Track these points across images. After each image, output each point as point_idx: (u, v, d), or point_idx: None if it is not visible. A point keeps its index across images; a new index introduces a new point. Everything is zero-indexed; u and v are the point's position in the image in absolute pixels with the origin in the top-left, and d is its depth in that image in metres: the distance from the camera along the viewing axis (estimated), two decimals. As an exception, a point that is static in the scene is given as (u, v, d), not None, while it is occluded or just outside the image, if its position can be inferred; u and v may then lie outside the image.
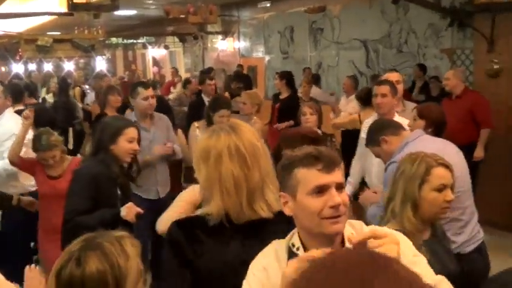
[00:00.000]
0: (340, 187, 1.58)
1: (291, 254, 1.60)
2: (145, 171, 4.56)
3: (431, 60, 9.56)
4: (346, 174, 4.36)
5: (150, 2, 12.56)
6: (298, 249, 1.60)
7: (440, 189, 2.22)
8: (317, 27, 12.05)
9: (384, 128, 3.24)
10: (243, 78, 11.11)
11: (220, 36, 15.30)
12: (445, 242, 2.40)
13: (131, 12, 14.68)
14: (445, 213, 2.28)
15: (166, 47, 18.39)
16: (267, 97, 11.24)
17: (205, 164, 1.86)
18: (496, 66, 6.10)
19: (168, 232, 1.92)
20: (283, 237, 1.70)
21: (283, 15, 12.78)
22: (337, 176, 1.58)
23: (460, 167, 3.07)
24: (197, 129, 4.83)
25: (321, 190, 1.54)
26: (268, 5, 12.63)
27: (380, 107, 4.17)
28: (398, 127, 3.25)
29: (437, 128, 3.63)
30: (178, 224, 1.92)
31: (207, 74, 9.84)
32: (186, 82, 10.78)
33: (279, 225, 1.76)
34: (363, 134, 3.82)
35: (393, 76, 4.94)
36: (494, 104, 6.02)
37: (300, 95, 7.88)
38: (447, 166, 2.28)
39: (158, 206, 4.54)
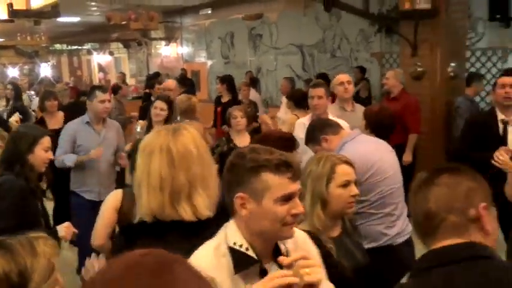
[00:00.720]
0: (298, 195, 1.61)
1: (237, 253, 1.55)
2: (89, 173, 4.52)
3: (363, 63, 9.79)
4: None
5: (94, 9, 12.31)
6: (247, 249, 1.56)
7: (345, 185, 2.23)
8: (256, 33, 12.13)
9: (324, 127, 3.25)
10: (186, 83, 11.04)
11: (163, 42, 15.16)
12: (355, 235, 2.40)
13: (75, 19, 14.34)
14: (352, 207, 2.28)
15: (111, 53, 18.07)
16: (211, 100, 11.22)
17: (140, 158, 1.88)
18: (419, 69, 6.26)
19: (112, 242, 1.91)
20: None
21: (223, 22, 12.79)
22: (299, 184, 1.60)
23: (392, 165, 3.17)
24: (139, 127, 4.76)
25: (287, 198, 1.53)
26: (209, 12, 12.59)
27: (316, 108, 4.22)
28: (337, 126, 3.28)
29: (374, 130, 3.66)
30: (121, 232, 1.93)
31: (155, 78, 9.75)
32: (117, 88, 10.49)
33: (211, 229, 1.73)
34: (301, 134, 3.82)
35: (344, 77, 4.99)
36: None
37: (240, 98, 7.91)
38: (350, 163, 2.30)
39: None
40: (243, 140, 4.58)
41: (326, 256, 1.90)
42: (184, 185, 1.80)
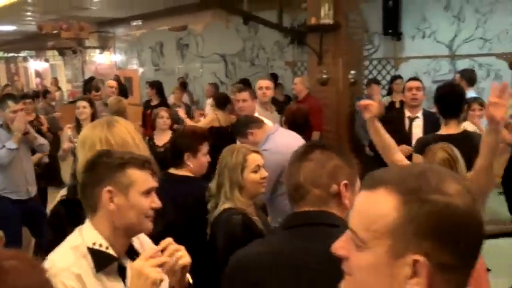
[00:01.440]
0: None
1: (97, 253, 1.50)
2: (15, 172, 4.29)
3: (278, 70, 10.02)
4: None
5: (29, 18, 11.81)
6: (107, 248, 1.51)
7: (256, 170, 2.37)
8: (183, 43, 12.10)
9: (249, 123, 3.38)
10: (120, 88, 10.81)
11: (97, 51, 14.79)
12: (262, 213, 2.58)
13: (10, 27, 13.70)
14: (264, 186, 2.42)
15: (46, 60, 17.39)
16: (142, 104, 11.08)
17: (82, 152, 1.86)
18: (324, 76, 6.41)
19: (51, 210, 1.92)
20: None
21: (153, 33, 12.66)
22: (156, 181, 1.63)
23: None
24: (69, 130, 4.65)
25: (149, 192, 1.55)
26: (140, 23, 12.42)
27: (242, 110, 4.24)
28: (260, 122, 3.41)
29: (290, 126, 3.90)
30: (61, 202, 1.92)
31: (90, 83, 9.51)
32: (45, 92, 10.15)
33: None
34: None
35: (264, 83, 5.06)
36: (324, 107, 6.42)
37: (171, 101, 7.89)
38: (258, 152, 2.46)
39: (30, 206, 4.38)
40: (163, 139, 4.60)
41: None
42: None
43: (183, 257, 1.45)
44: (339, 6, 6.26)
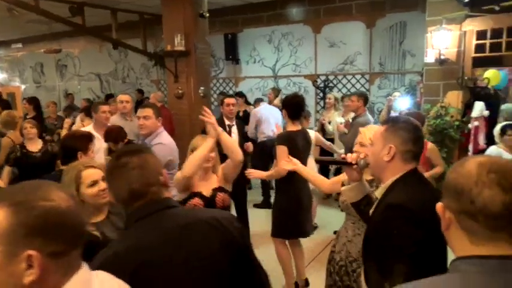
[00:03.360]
0: None
1: None
2: None
3: (145, 87, 9.67)
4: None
5: None
6: None
7: (92, 184, 1.96)
8: (62, 63, 11.02)
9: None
10: (2, 102, 9.49)
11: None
12: (119, 219, 2.05)
13: None
14: (105, 198, 1.98)
15: None
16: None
17: None
18: (180, 91, 6.35)
19: None
20: None
21: (33, 54, 11.32)
22: None
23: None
24: None
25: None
26: (20, 46, 11.03)
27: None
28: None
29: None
30: None
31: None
32: None
33: None
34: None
35: (125, 97, 4.71)
36: (180, 116, 6.35)
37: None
38: (94, 166, 2.02)
39: None
40: (35, 146, 4.12)
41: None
42: None
43: None
44: (189, 37, 6.23)
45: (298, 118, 3.35)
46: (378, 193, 1.52)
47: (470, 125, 5.25)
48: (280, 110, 4.58)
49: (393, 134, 1.50)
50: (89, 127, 4.13)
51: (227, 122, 4.41)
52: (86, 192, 1.96)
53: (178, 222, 1.26)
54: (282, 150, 3.11)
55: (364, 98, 4.75)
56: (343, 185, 1.78)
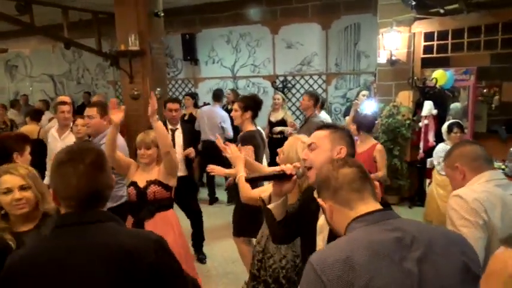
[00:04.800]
0: None
1: None
2: None
3: (102, 89, 9.37)
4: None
5: None
6: None
7: (6, 192, 1.81)
8: (12, 64, 10.49)
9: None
10: None
11: None
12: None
13: None
14: (20, 208, 1.81)
15: None
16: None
17: None
18: (136, 93, 6.19)
19: None
20: None
21: (-20, 54, 10.72)
22: None
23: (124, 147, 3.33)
24: None
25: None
26: (-35, 45, 10.40)
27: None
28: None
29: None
30: None
31: None
32: None
33: None
34: None
35: (66, 98, 4.61)
36: (136, 117, 6.16)
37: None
38: (13, 173, 1.83)
39: None
40: None
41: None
42: None
43: None
44: (144, 36, 6.07)
45: (256, 118, 3.46)
46: None
47: (420, 124, 5.44)
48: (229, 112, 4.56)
49: (340, 137, 1.64)
50: (53, 128, 4.09)
51: (170, 126, 4.28)
52: (2, 201, 1.81)
53: (71, 241, 1.17)
54: (249, 150, 3.15)
55: (315, 97, 4.78)
56: (263, 201, 1.75)
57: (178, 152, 4.16)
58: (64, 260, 1.14)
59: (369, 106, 5.11)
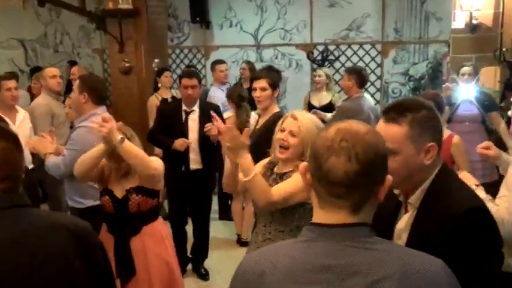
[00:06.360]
0: None
1: None
2: None
3: (85, 59, 9.49)
4: None
5: None
6: None
7: None
8: (-28, 26, 10.80)
9: None
10: None
11: None
12: None
13: None
14: None
15: None
16: None
17: None
18: (127, 65, 6.23)
19: None
20: None
21: None
22: None
23: None
24: None
25: None
26: None
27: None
28: None
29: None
30: None
31: None
32: None
33: None
34: None
35: (54, 70, 5.17)
36: (127, 97, 6.24)
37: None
38: None
39: None
40: None
41: None
42: None
43: None
44: (138, -9, 6.13)
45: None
46: (414, 200, 1.63)
47: (510, 112, 5.27)
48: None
49: (422, 127, 1.59)
50: None
51: (184, 108, 4.44)
52: None
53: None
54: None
55: (357, 74, 4.73)
56: None
57: (193, 140, 4.33)
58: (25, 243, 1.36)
59: (466, 91, 4.72)
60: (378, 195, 1.18)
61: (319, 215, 1.18)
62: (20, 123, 4.71)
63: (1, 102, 4.53)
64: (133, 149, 2.65)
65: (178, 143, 4.27)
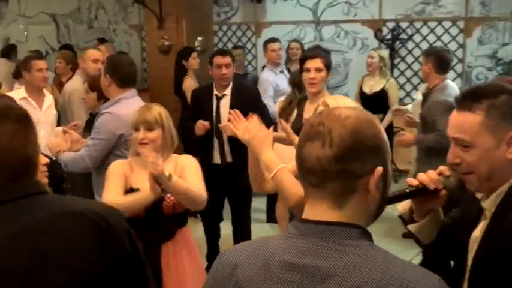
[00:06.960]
0: None
1: None
2: None
3: (122, 36, 9.60)
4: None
5: None
6: None
7: None
8: (0, -1, 11.09)
9: None
10: None
11: None
12: None
13: None
14: None
15: None
16: None
17: None
18: (166, 43, 6.32)
19: None
20: None
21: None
22: None
23: None
24: None
25: None
26: None
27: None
28: None
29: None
30: None
31: None
32: None
33: None
34: None
35: (96, 53, 5.13)
36: (165, 79, 6.26)
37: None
38: None
39: None
40: None
41: None
42: None
43: None
44: (181, -43, 6.12)
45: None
46: (488, 205, 1.60)
47: None
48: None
49: (505, 116, 1.55)
50: (19, 92, 4.40)
51: (215, 92, 4.50)
52: None
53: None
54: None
55: (435, 56, 4.42)
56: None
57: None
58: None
59: None
60: (368, 190, 1.16)
61: (306, 210, 1.23)
62: (47, 109, 4.71)
63: (30, 83, 4.55)
64: (181, 184, 2.65)
65: (197, 127, 4.31)
